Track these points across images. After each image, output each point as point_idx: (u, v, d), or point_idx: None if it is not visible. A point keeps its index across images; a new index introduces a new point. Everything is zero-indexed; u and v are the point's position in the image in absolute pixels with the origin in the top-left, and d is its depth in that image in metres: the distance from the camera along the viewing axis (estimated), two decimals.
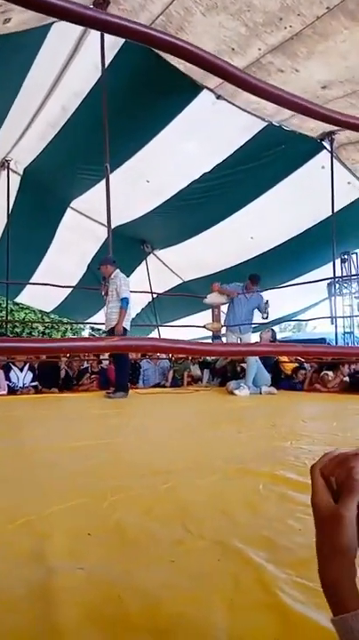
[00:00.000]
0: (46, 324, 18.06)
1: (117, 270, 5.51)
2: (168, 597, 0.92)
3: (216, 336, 8.11)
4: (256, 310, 7.19)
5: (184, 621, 0.84)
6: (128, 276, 5.74)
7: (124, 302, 5.29)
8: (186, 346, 0.85)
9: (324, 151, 7.09)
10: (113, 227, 6.22)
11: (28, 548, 1.17)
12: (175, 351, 0.77)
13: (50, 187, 8.09)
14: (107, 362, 6.99)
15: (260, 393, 5.84)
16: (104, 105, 5.27)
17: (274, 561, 1.04)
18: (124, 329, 5.36)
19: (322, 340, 10.45)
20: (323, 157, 7.11)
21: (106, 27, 0.71)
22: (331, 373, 6.17)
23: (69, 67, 5.80)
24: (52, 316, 15.08)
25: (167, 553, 1.12)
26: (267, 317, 7.01)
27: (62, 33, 5.19)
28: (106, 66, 5.26)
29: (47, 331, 18.84)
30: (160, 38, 0.72)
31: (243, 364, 6.47)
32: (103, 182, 5.77)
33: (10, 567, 1.06)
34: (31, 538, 1.23)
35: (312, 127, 6.24)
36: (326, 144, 6.93)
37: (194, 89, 5.87)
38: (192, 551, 1.14)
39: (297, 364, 6.85)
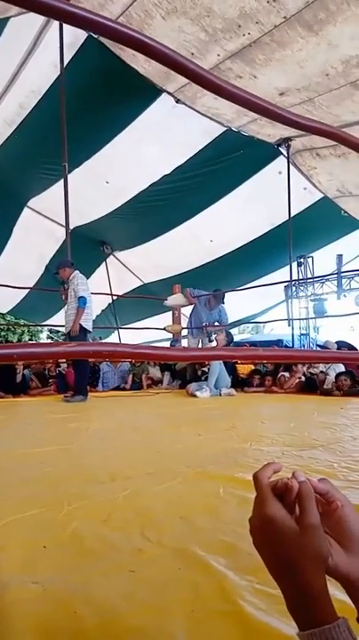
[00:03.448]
0: (1, 326, 17.54)
1: (76, 272, 5.42)
2: (126, 610, 0.89)
3: (175, 339, 8.11)
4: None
5: (143, 634, 0.82)
6: (87, 278, 5.66)
7: (82, 302, 5.20)
8: (146, 351, 0.83)
9: (281, 157, 7.26)
10: (72, 227, 6.11)
11: None
12: (135, 356, 0.75)
13: (6, 185, 7.86)
14: (65, 365, 6.86)
15: (220, 395, 5.88)
16: (62, 104, 5.17)
17: (234, 567, 1.03)
18: (85, 329, 5.27)
19: (279, 342, 10.65)
20: (281, 163, 7.27)
21: (74, 20, 0.68)
22: (287, 374, 6.29)
23: (27, 64, 5.66)
24: (8, 318, 14.67)
25: (126, 563, 1.09)
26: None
27: (19, 29, 5.06)
28: (65, 65, 5.17)
29: (3, 333, 18.31)
30: (129, 35, 0.70)
31: (203, 368, 6.50)
32: (62, 182, 5.67)
33: None
34: None
35: (269, 133, 6.37)
36: (283, 150, 7.09)
37: (153, 92, 5.87)
38: (151, 560, 1.11)
39: (252, 367, 6.95)
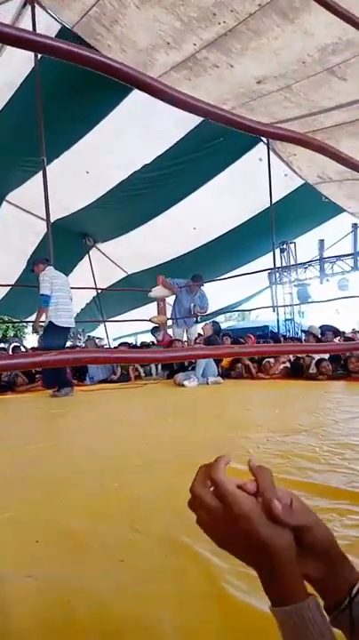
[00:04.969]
0: None
1: (48, 267, 5.30)
2: (117, 598, 0.94)
3: (156, 328, 8.13)
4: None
5: (132, 620, 0.87)
6: (70, 272, 5.63)
7: (42, 300, 5.08)
8: (124, 355, 0.87)
9: (261, 144, 7.28)
10: (52, 220, 6.07)
11: None
12: (113, 361, 0.79)
13: None
14: None
15: (207, 383, 5.95)
16: (38, 96, 5.11)
17: (219, 553, 1.09)
18: (56, 326, 5.15)
19: (265, 328, 10.77)
20: (261, 150, 7.30)
21: None
22: (272, 360, 6.38)
23: (0, 56, 5.56)
24: None
25: (116, 553, 1.14)
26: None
27: None
28: (39, 57, 5.10)
29: None
30: (60, 48, 0.70)
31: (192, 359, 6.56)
32: (41, 174, 5.61)
33: None
34: None
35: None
36: (263, 137, 7.10)
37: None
38: (140, 550, 1.17)
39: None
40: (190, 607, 0.90)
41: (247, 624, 0.83)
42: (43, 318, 5.30)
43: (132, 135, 6.69)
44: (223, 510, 0.52)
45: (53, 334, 5.19)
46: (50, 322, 5.19)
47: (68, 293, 5.42)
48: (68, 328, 5.41)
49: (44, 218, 5.85)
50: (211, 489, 0.54)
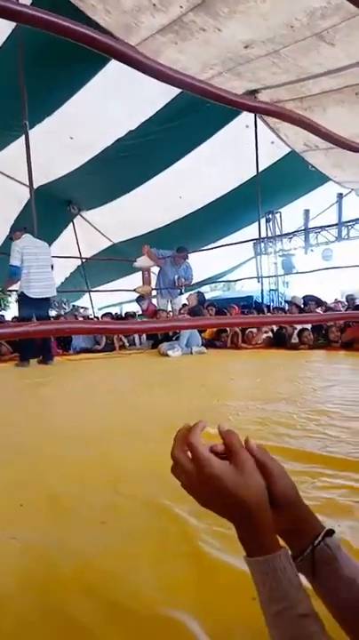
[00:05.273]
0: None
1: (23, 236, 5.20)
2: (99, 557, 0.99)
3: (141, 298, 8.12)
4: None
5: (113, 577, 0.92)
6: (54, 240, 5.56)
7: (10, 271, 5.03)
8: (105, 326, 0.89)
9: None
10: (36, 186, 5.94)
11: None
12: (95, 331, 0.81)
13: None
14: None
15: (191, 353, 6.02)
16: (20, 59, 4.93)
17: (196, 514, 1.15)
18: (27, 297, 5.06)
19: (249, 299, 10.83)
20: (248, 117, 7.16)
21: None
22: (254, 330, 6.46)
23: None
24: None
25: (99, 516, 1.19)
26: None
27: None
28: None
29: None
30: (34, 16, 0.67)
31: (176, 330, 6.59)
32: (23, 139, 5.46)
33: None
34: None
35: (235, 85, 6.22)
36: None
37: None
38: (123, 513, 1.22)
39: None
40: (169, 565, 0.95)
41: (222, 580, 0.89)
42: (13, 288, 5.23)
43: (117, 100, 6.51)
44: (197, 472, 0.57)
45: (25, 305, 5.12)
46: (21, 292, 5.12)
47: (45, 262, 5.28)
48: (43, 299, 5.27)
49: (27, 184, 5.73)
50: (188, 453, 0.59)
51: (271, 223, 9.77)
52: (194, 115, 6.89)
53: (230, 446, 0.59)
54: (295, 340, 5.97)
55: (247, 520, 0.55)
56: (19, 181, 8.02)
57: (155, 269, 8.07)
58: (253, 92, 6.61)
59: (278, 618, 0.52)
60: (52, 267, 5.43)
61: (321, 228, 8.97)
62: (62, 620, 0.81)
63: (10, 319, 9.64)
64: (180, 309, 7.58)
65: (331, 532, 0.59)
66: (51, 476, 1.53)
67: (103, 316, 10.34)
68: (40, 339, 5.51)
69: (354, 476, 1.35)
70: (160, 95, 6.57)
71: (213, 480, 0.56)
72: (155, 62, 0.84)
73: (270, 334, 6.45)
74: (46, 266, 5.28)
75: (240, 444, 0.59)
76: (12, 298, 19.07)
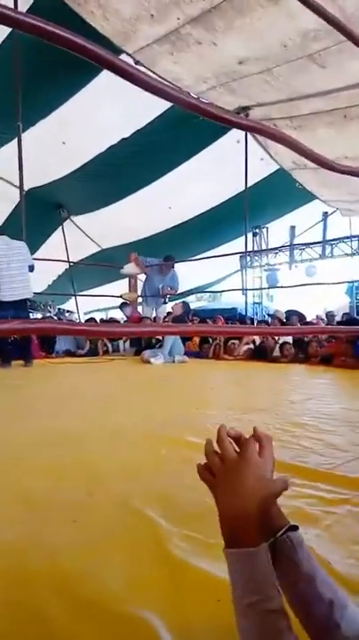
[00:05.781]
0: None
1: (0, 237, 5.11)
2: (69, 554, 1.01)
3: (124, 304, 8.13)
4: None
5: (83, 575, 0.94)
6: (42, 242, 5.54)
7: None
8: (85, 328, 0.91)
9: None
10: (27, 188, 5.94)
11: None
12: (74, 333, 0.83)
13: None
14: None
15: (174, 361, 6.04)
16: (16, 62, 4.96)
17: (168, 517, 1.17)
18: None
19: (234, 310, 10.90)
20: (239, 132, 7.27)
21: None
22: (236, 342, 6.51)
23: None
24: None
25: (70, 515, 1.20)
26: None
27: None
28: None
29: None
30: (27, 23, 0.70)
31: (158, 336, 6.61)
32: (15, 141, 5.46)
33: None
34: None
35: (228, 101, 6.33)
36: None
37: (112, 51, 5.67)
38: (95, 512, 1.23)
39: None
40: (138, 566, 0.97)
41: (188, 581, 0.91)
42: None
43: (112, 108, 6.57)
44: (243, 459, 0.65)
45: None
46: None
47: (20, 263, 5.09)
48: (18, 301, 5.08)
49: (18, 185, 5.73)
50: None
51: (258, 237, 9.90)
52: (186, 128, 6.98)
53: (260, 441, 0.68)
54: (276, 353, 6.03)
55: (256, 509, 0.60)
56: (10, 182, 8.01)
57: (142, 277, 8.11)
58: (245, 109, 6.74)
59: (250, 609, 0.54)
60: (32, 267, 5.27)
61: (306, 244, 9.12)
62: (31, 615, 0.82)
63: None
64: (165, 317, 7.61)
65: (294, 528, 0.63)
66: (25, 474, 1.53)
67: (87, 320, 10.30)
68: (21, 340, 5.47)
69: (323, 486, 1.39)
70: (153, 106, 6.64)
71: (258, 465, 0.64)
72: (147, 75, 0.87)
73: (251, 346, 6.51)
74: (21, 267, 5.10)
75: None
76: None
